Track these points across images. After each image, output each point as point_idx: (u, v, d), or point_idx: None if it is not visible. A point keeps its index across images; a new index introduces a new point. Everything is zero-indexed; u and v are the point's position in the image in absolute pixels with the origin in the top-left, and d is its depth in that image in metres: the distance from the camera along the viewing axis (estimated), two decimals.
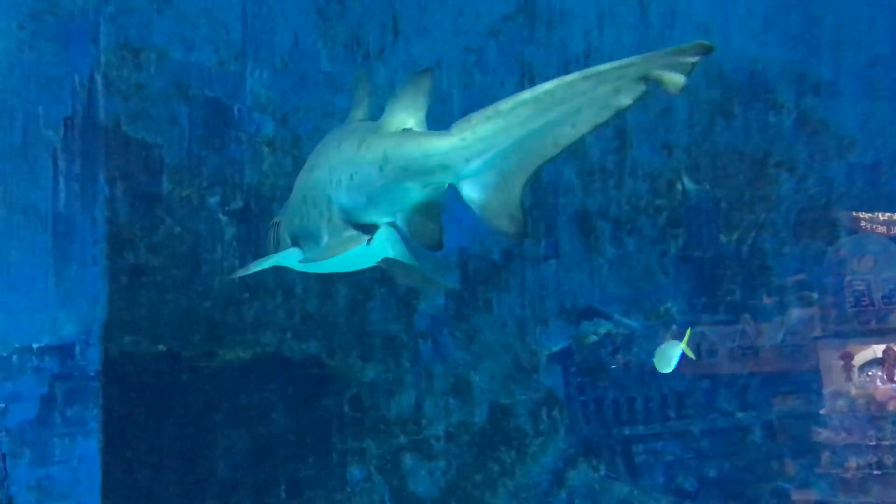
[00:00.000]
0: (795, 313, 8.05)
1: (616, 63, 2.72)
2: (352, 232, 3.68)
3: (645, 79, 2.76)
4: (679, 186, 8.13)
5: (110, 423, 6.86)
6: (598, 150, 8.00)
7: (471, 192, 3.05)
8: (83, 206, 6.85)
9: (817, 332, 7.89)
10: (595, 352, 8.01)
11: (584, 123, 2.87)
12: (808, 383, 7.84)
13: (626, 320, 8.03)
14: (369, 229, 3.61)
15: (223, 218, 7.36)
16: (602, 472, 8.01)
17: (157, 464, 7.28)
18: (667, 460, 8.04)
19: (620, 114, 2.82)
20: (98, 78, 6.92)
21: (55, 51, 6.78)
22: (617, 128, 7.99)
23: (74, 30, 6.84)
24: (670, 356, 6.29)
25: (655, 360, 6.38)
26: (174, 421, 7.32)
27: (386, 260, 3.84)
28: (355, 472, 7.66)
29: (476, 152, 2.97)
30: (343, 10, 7.59)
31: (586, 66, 8.86)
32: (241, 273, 4.72)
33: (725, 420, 8.10)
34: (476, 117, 2.94)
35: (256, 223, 7.27)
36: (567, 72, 8.59)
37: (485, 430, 7.91)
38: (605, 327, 8.01)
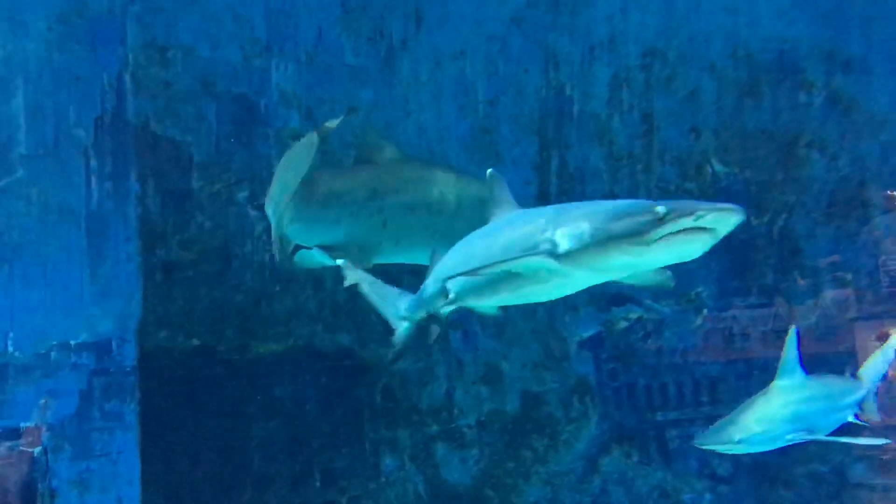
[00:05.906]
0: (829, 295, 7.94)
1: None
2: None
3: None
4: (708, 169, 8.04)
5: (148, 416, 6.93)
6: (625, 136, 7.94)
7: None
8: (116, 204, 6.90)
9: (852, 314, 7.78)
10: (626, 338, 7.97)
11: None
12: (843, 365, 7.73)
13: (656, 305, 7.97)
14: None
15: (252, 213, 7.42)
16: (635, 459, 7.98)
17: (194, 456, 7.38)
18: None
19: None
20: (126, 77, 6.97)
21: (84, 51, 6.83)
22: (643, 112, 7.92)
23: (102, 30, 6.89)
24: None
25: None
26: (210, 414, 7.41)
27: None
28: (388, 461, 7.72)
29: None
30: (366, 1, 7.59)
31: (611, 51, 8.66)
32: None
33: None
34: None
35: None
36: (593, 58, 8.34)
37: (517, 418, 7.93)
38: (635, 313, 7.96)
